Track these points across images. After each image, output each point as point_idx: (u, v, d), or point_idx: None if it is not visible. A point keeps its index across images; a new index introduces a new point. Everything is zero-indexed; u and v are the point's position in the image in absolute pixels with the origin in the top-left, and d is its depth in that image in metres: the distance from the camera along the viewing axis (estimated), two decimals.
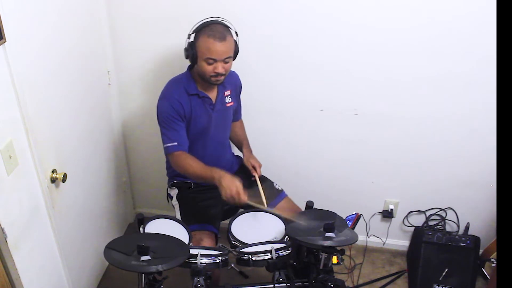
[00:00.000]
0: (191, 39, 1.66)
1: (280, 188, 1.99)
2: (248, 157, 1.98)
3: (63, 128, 1.73)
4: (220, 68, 1.65)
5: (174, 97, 1.74)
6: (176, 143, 1.72)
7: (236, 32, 1.70)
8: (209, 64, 1.65)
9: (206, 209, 1.86)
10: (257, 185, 1.87)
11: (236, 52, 1.72)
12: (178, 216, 1.88)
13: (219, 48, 1.61)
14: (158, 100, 1.77)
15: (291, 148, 2.30)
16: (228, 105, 1.87)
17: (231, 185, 1.57)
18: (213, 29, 1.61)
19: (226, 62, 1.66)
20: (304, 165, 2.35)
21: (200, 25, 1.64)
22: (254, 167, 1.94)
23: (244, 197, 1.57)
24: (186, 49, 1.69)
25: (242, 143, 2.05)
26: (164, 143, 1.75)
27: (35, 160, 1.49)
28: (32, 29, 1.44)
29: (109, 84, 2.16)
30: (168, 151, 1.74)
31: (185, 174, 1.76)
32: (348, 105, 2.11)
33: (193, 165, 1.71)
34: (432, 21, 1.84)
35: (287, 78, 2.08)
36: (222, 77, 1.70)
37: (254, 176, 1.91)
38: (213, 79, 1.69)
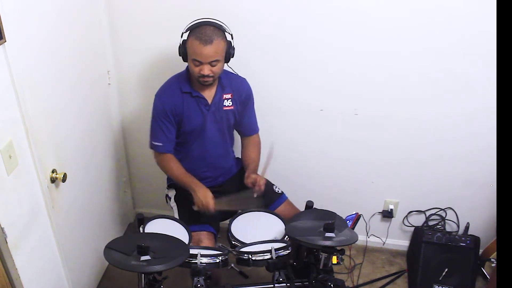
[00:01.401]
0: (184, 37, 1.68)
1: (280, 191, 1.99)
2: (249, 174, 1.85)
3: (63, 128, 1.73)
4: (206, 70, 1.66)
5: (167, 96, 1.78)
6: (161, 144, 1.82)
7: (231, 34, 1.70)
8: (196, 65, 1.67)
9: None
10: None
11: (228, 54, 1.71)
12: (177, 217, 1.87)
13: (204, 51, 1.61)
14: (155, 95, 1.80)
15: (291, 148, 2.29)
16: (226, 108, 1.85)
17: (204, 196, 1.73)
18: (201, 31, 1.62)
19: (213, 65, 1.66)
20: (304, 165, 2.35)
21: (192, 25, 1.65)
22: (254, 183, 1.80)
23: (212, 208, 1.73)
24: (179, 47, 1.71)
25: (248, 166, 1.93)
26: (151, 138, 1.84)
27: (35, 160, 1.48)
28: (32, 29, 1.44)
29: (109, 84, 2.16)
30: (154, 149, 1.85)
31: (166, 174, 1.91)
32: (348, 105, 2.11)
33: (173, 168, 1.84)
34: (432, 21, 1.84)
35: (287, 78, 2.08)
36: (210, 79, 1.70)
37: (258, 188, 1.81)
38: (200, 79, 1.70)
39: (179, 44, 1.71)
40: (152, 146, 1.84)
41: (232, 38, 1.71)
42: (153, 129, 1.82)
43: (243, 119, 1.94)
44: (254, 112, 1.98)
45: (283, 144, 2.28)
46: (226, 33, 1.68)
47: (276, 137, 2.25)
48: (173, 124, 1.79)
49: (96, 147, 2.09)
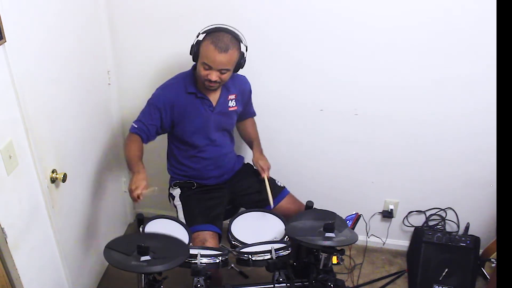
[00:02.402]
0: (199, 38, 1.66)
1: (282, 185, 1.99)
2: (257, 158, 1.97)
3: (63, 128, 1.72)
4: (214, 76, 1.66)
5: (169, 92, 1.78)
6: (136, 127, 1.78)
7: (246, 46, 1.70)
8: (205, 69, 1.66)
9: (209, 209, 1.86)
10: (265, 185, 1.87)
11: (239, 64, 1.71)
12: (181, 217, 1.87)
13: (217, 58, 1.61)
14: (158, 87, 1.80)
15: (291, 148, 2.29)
16: (230, 109, 1.86)
17: (136, 182, 1.59)
18: (219, 37, 1.61)
19: (222, 73, 1.66)
20: (304, 165, 2.35)
21: (211, 28, 1.65)
22: (263, 169, 1.92)
23: (135, 196, 1.58)
24: (192, 46, 1.70)
25: (252, 143, 2.04)
26: (134, 120, 1.81)
27: (35, 160, 1.48)
28: (32, 29, 1.44)
29: (109, 84, 2.16)
30: (130, 129, 1.80)
31: (124, 152, 1.82)
32: (348, 105, 2.11)
33: (130, 149, 1.75)
34: (433, 21, 1.84)
35: (287, 78, 2.08)
36: (216, 85, 1.70)
37: (263, 178, 1.90)
38: (206, 83, 1.70)
39: (192, 43, 1.70)
40: (131, 127, 1.81)
41: (246, 50, 1.71)
42: (142, 113, 1.80)
43: (244, 111, 1.98)
44: (251, 100, 2.01)
45: (283, 144, 2.28)
46: (241, 44, 1.68)
47: (276, 137, 2.26)
48: (160, 119, 1.78)
49: (96, 147, 2.09)
